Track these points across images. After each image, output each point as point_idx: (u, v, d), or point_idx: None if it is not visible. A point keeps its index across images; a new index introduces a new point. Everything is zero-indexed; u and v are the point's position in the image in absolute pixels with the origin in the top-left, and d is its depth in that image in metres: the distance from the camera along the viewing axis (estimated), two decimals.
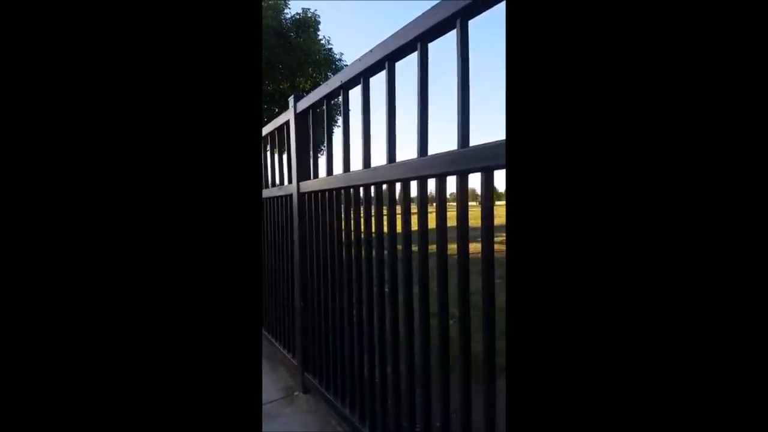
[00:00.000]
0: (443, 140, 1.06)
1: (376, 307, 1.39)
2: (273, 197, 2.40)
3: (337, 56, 15.90)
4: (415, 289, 1.19)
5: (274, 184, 2.46)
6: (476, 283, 0.93)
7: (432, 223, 1.10)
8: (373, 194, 1.37)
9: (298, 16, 15.23)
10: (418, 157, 1.09)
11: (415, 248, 1.18)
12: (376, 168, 1.30)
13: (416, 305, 1.19)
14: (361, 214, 1.45)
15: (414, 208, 1.18)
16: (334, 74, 1.66)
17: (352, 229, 1.51)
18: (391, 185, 1.26)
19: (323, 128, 1.74)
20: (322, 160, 1.77)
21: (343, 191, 1.56)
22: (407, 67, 1.21)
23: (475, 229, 0.96)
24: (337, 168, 1.57)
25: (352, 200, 1.49)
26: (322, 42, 15.82)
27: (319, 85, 1.69)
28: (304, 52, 14.85)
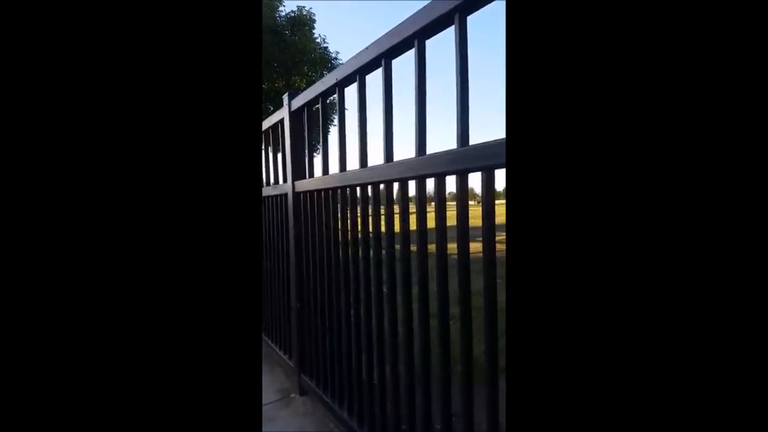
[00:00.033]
0: (442, 141, 1.04)
1: (374, 307, 1.36)
2: (268, 197, 2.37)
3: (333, 55, 15.84)
4: (414, 290, 1.16)
5: (268, 184, 2.43)
6: (475, 283, 0.91)
7: (431, 222, 1.08)
8: (370, 194, 1.34)
9: (292, 14, 15.14)
10: (416, 157, 1.07)
11: (413, 248, 1.16)
12: (373, 167, 1.28)
13: (415, 305, 1.17)
14: (358, 214, 1.43)
15: (412, 208, 1.16)
16: (329, 73, 1.63)
17: (349, 229, 1.49)
18: (389, 185, 1.24)
19: (319, 127, 1.71)
20: (318, 160, 1.74)
21: (339, 191, 1.53)
22: (404, 65, 1.19)
23: (473, 228, 0.94)
24: (334, 167, 1.55)
25: (349, 200, 1.46)
26: (317, 40, 15.74)
27: (315, 83, 1.66)
28: (300, 51, 14.77)
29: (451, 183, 1.02)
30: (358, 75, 1.32)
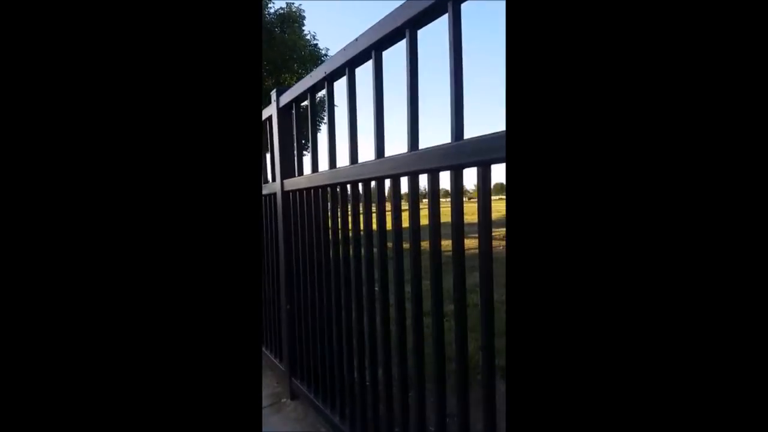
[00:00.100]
0: (436, 138, 0.99)
1: (366, 308, 1.31)
2: None
3: (323, 52, 15.72)
4: (407, 288, 1.12)
5: None
6: (469, 280, 0.86)
7: (423, 220, 1.04)
8: (361, 191, 1.29)
9: (282, 11, 15.02)
10: (408, 152, 1.02)
11: (406, 246, 1.11)
12: (363, 164, 1.23)
13: (408, 305, 1.13)
14: (349, 213, 1.38)
15: (405, 205, 1.11)
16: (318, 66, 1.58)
17: (339, 228, 1.43)
18: (380, 182, 1.19)
19: (308, 123, 1.65)
20: (308, 157, 1.69)
21: (329, 189, 1.48)
22: (395, 56, 1.14)
23: (467, 225, 0.90)
24: (324, 164, 1.50)
25: (339, 198, 1.41)
26: (307, 37, 15.63)
27: (303, 78, 1.61)
28: (289, 48, 14.65)
29: (444, 179, 0.98)
30: (348, 68, 1.27)
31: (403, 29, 1.01)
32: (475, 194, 0.89)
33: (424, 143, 1.01)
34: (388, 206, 1.19)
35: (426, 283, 1.02)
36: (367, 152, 1.24)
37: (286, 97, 1.80)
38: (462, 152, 0.86)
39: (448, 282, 0.95)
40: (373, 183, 1.23)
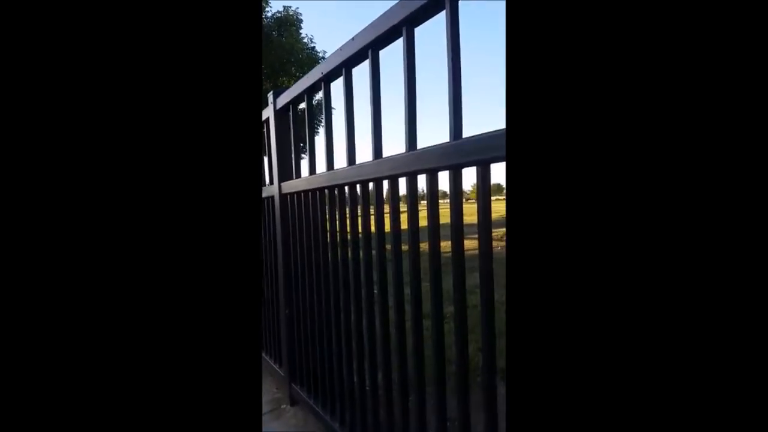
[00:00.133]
0: (435, 140, 0.97)
1: (365, 311, 1.29)
2: None
3: (321, 54, 15.73)
4: (407, 290, 1.10)
5: None
6: (469, 281, 0.84)
7: (422, 221, 1.02)
8: (359, 193, 1.27)
9: (279, 15, 15.02)
10: (406, 152, 1.00)
11: (405, 248, 1.09)
12: (361, 165, 1.21)
13: (408, 307, 1.10)
14: (347, 215, 1.36)
15: (403, 207, 1.09)
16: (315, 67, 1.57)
17: (338, 230, 1.41)
18: (378, 183, 1.17)
19: (305, 124, 1.63)
20: (306, 159, 1.67)
21: (327, 191, 1.46)
22: (393, 56, 1.12)
23: (465, 226, 0.88)
24: (321, 166, 1.48)
25: (337, 200, 1.39)
26: (304, 40, 15.64)
27: (300, 79, 1.59)
28: (287, 51, 14.66)
29: (442, 179, 0.95)
30: (344, 68, 1.25)
31: (400, 27, 0.99)
32: (472, 195, 0.87)
33: (422, 144, 0.99)
34: (387, 208, 1.17)
35: (425, 285, 1.00)
36: (365, 153, 1.21)
37: (283, 99, 1.78)
38: (461, 151, 0.84)
39: (447, 283, 0.93)
40: (371, 184, 1.21)
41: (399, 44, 1.03)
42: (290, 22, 15.01)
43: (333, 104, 1.46)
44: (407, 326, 1.13)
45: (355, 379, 1.37)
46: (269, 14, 14.73)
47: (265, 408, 1.82)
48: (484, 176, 0.82)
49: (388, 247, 1.17)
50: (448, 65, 0.85)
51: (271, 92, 1.90)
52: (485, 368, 0.86)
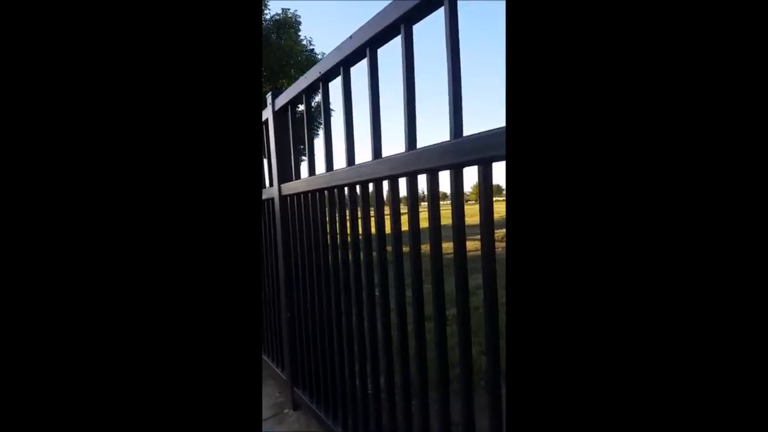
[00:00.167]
0: (433, 141, 0.95)
1: (367, 314, 1.27)
2: None
3: (320, 56, 15.73)
4: (408, 292, 1.08)
5: None
6: (470, 282, 0.83)
7: (423, 223, 1.00)
8: (359, 193, 1.25)
9: (278, 17, 15.03)
10: (406, 151, 0.98)
11: (406, 249, 1.07)
12: (360, 165, 1.19)
13: (410, 310, 1.08)
14: (347, 216, 1.34)
15: (404, 209, 1.07)
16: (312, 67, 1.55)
17: (338, 232, 1.39)
18: (378, 183, 1.15)
19: (303, 125, 1.62)
20: (306, 161, 1.65)
21: (326, 192, 1.44)
22: (391, 56, 1.10)
23: (467, 227, 0.86)
24: (321, 167, 1.46)
25: (337, 201, 1.37)
26: (303, 43, 15.64)
27: (298, 80, 1.57)
28: (286, 54, 14.66)
29: (443, 180, 0.94)
30: (342, 67, 1.23)
31: (398, 24, 0.97)
32: (472, 197, 0.85)
33: (421, 145, 0.97)
34: (387, 210, 1.15)
35: (426, 287, 0.98)
36: (365, 154, 1.19)
37: (282, 100, 1.77)
38: (461, 150, 0.82)
39: (448, 285, 0.91)
40: (370, 185, 1.19)
41: (397, 44, 1.01)
42: (289, 24, 15.02)
43: (332, 104, 1.44)
44: (409, 329, 1.11)
45: (358, 383, 1.35)
46: (268, 17, 14.74)
47: (267, 412, 1.81)
48: (485, 175, 0.80)
49: (389, 248, 1.15)
50: (448, 61, 0.83)
51: (270, 93, 1.89)
52: (490, 371, 0.84)
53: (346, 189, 1.31)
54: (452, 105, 0.84)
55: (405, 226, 1.07)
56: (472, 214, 0.82)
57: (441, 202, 0.95)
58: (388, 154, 1.08)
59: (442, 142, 0.87)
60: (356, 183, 1.24)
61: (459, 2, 0.83)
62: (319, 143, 1.53)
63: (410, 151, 0.97)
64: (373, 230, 1.21)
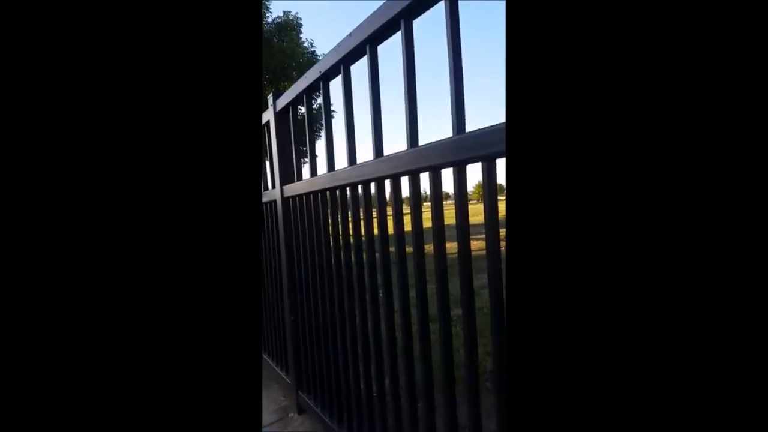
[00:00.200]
0: (434, 139, 0.92)
1: (371, 316, 1.25)
2: None
3: (321, 58, 15.73)
4: (412, 293, 1.06)
5: None
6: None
7: (426, 223, 0.98)
8: (360, 193, 1.23)
9: (279, 20, 15.06)
10: (408, 149, 0.96)
11: (409, 249, 1.05)
12: (361, 164, 1.17)
13: (414, 311, 1.06)
14: (349, 217, 1.32)
15: (406, 209, 1.05)
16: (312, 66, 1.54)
17: (340, 233, 1.37)
18: (380, 183, 1.13)
19: (305, 126, 1.60)
20: (307, 162, 1.63)
21: (328, 193, 1.42)
22: (391, 56, 1.08)
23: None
24: (323, 168, 1.44)
25: (339, 202, 1.35)
26: (305, 45, 15.66)
27: (298, 80, 1.55)
28: (288, 56, 14.69)
29: (445, 179, 0.92)
30: (342, 66, 1.22)
31: (398, 20, 0.96)
32: (474, 196, 0.83)
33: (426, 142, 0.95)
34: (390, 210, 1.13)
35: (431, 287, 0.96)
36: (367, 153, 1.17)
37: (283, 101, 1.75)
38: (464, 146, 0.80)
39: (452, 285, 0.89)
40: (372, 185, 1.17)
41: (398, 42, 0.99)
42: (290, 26, 15.05)
43: (333, 106, 1.42)
44: (414, 330, 1.09)
45: (362, 386, 1.33)
46: (270, 20, 14.78)
47: (272, 417, 1.79)
48: (489, 172, 0.78)
49: (392, 249, 1.13)
50: (449, 55, 0.81)
51: (271, 94, 1.87)
52: (496, 372, 0.82)
53: (347, 189, 1.29)
54: (454, 100, 0.82)
55: (408, 227, 1.05)
56: (474, 213, 0.80)
57: (443, 202, 0.93)
58: (389, 151, 1.06)
59: (445, 139, 0.85)
60: (358, 183, 1.22)
61: (459, 2, 0.82)
62: (321, 144, 1.51)
63: (412, 149, 0.95)
64: (375, 231, 1.19)
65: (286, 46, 14.70)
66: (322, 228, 1.51)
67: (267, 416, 1.79)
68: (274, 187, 1.93)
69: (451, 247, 0.91)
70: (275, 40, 14.65)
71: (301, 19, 15.34)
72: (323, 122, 1.43)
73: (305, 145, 1.62)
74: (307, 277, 1.66)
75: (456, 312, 0.92)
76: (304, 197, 1.61)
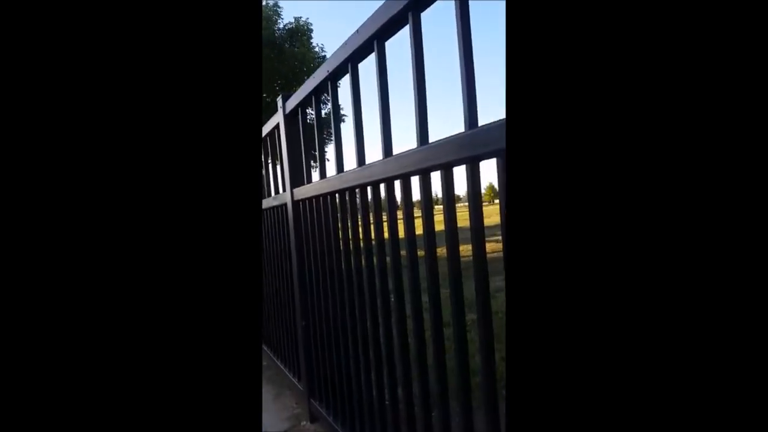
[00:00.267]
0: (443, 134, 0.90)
1: (382, 321, 1.21)
2: (267, 209, 2.24)
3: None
4: (424, 298, 1.02)
5: (269, 195, 2.30)
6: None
7: (438, 225, 0.94)
8: (370, 195, 1.20)
9: (290, 26, 15.18)
10: (418, 147, 0.92)
11: (421, 253, 1.01)
12: (371, 165, 1.13)
13: (426, 315, 1.02)
14: (359, 220, 1.28)
15: (417, 212, 1.01)
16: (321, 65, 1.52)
17: (350, 237, 1.34)
18: (389, 183, 1.09)
19: (313, 128, 1.57)
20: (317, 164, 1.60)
21: (338, 195, 1.39)
22: (399, 54, 1.04)
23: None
24: (332, 170, 1.41)
25: (348, 205, 1.32)
26: (315, 49, 15.76)
27: (307, 80, 1.53)
28: (299, 61, 14.80)
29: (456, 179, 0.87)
30: (350, 63, 1.18)
31: (406, 13, 0.92)
32: (486, 198, 0.79)
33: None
34: (400, 214, 1.09)
35: (444, 291, 0.92)
36: (377, 153, 1.13)
37: (292, 102, 1.73)
38: (477, 141, 0.75)
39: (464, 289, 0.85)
40: (381, 186, 1.13)
41: (406, 39, 0.95)
42: (301, 32, 15.17)
43: (343, 109, 1.40)
44: (427, 335, 1.04)
45: (375, 394, 1.28)
46: (281, 26, 14.90)
47: (284, 425, 1.76)
48: (505, 168, 0.73)
49: (403, 253, 1.09)
50: (458, 44, 0.77)
51: (280, 96, 1.85)
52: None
53: (357, 191, 1.26)
54: (466, 93, 0.77)
55: (419, 229, 1.01)
56: (488, 215, 0.76)
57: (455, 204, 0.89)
58: (399, 150, 1.02)
59: (456, 134, 0.80)
60: (366, 184, 1.18)
61: None
62: (332, 145, 1.48)
63: (422, 147, 0.90)
64: (385, 234, 1.15)
65: (297, 52, 14.82)
66: (332, 232, 1.47)
67: (279, 424, 1.76)
68: (284, 190, 1.91)
69: (463, 249, 0.87)
70: (287, 45, 14.76)
71: (311, 24, 15.46)
72: (332, 124, 1.40)
73: (315, 148, 1.59)
74: (318, 282, 1.63)
75: (470, 317, 0.88)
76: (313, 200, 1.58)
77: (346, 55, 1.18)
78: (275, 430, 1.69)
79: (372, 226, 1.20)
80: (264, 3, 14.37)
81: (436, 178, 0.93)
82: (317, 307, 1.66)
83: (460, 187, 0.89)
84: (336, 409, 1.56)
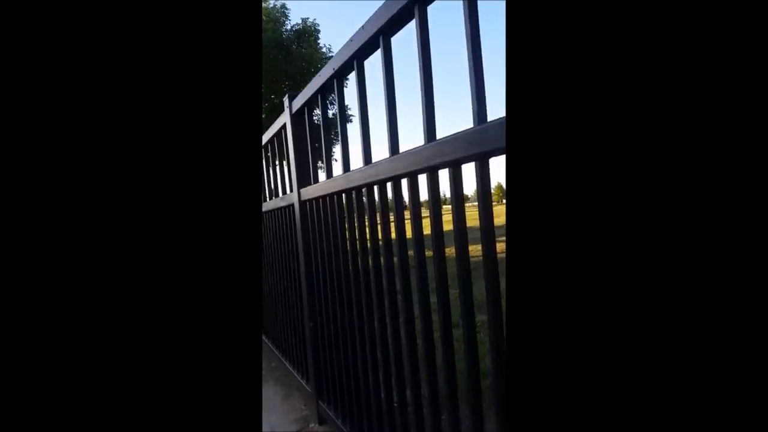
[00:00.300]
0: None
1: (390, 322, 1.19)
2: (275, 209, 2.23)
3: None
4: (433, 298, 0.99)
5: (277, 195, 2.29)
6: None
7: (446, 225, 0.92)
8: (376, 195, 1.18)
9: (297, 27, 15.20)
10: (425, 144, 0.90)
11: (429, 253, 0.99)
12: (377, 163, 1.11)
13: (435, 317, 1.00)
14: (366, 220, 1.26)
15: (425, 212, 0.99)
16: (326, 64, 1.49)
17: (357, 237, 1.32)
18: (396, 182, 1.07)
19: (320, 127, 1.56)
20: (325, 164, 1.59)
21: (344, 194, 1.37)
22: (405, 54, 1.02)
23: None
24: (339, 169, 1.39)
25: (355, 204, 1.30)
26: (323, 50, 15.77)
27: (313, 79, 1.51)
28: (307, 62, 14.81)
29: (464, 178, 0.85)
30: (356, 60, 1.17)
31: (411, 7, 0.90)
32: (495, 197, 0.76)
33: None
34: (408, 214, 1.07)
35: (453, 292, 0.90)
36: (384, 151, 1.12)
37: (299, 102, 1.71)
38: (487, 137, 0.73)
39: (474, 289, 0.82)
40: (388, 184, 1.11)
41: (410, 38, 0.93)
42: (308, 33, 15.19)
43: (350, 109, 1.38)
44: (436, 337, 1.02)
45: (383, 397, 1.26)
46: (288, 27, 14.93)
47: (292, 426, 1.74)
48: None
49: (411, 253, 1.07)
50: (467, 42, 0.75)
51: (287, 96, 1.84)
52: None
53: (364, 190, 1.24)
54: (474, 88, 0.75)
55: (427, 229, 0.99)
56: (497, 215, 0.73)
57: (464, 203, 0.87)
58: (407, 148, 1.00)
59: (465, 130, 0.78)
60: (373, 183, 1.16)
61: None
62: (338, 145, 1.47)
63: (429, 144, 0.88)
64: (392, 235, 1.13)
65: (305, 53, 14.85)
66: (339, 232, 1.46)
67: (287, 426, 1.75)
68: (291, 190, 1.90)
69: (472, 249, 0.85)
70: (294, 46, 14.80)
71: (318, 25, 15.47)
72: (339, 123, 1.38)
73: (322, 147, 1.58)
74: (325, 283, 1.61)
75: (480, 318, 0.86)
76: (320, 200, 1.57)
77: (351, 52, 1.16)
78: None
79: (379, 226, 1.18)
80: (272, 4, 14.42)
81: (444, 177, 0.91)
82: (325, 308, 1.64)
83: (468, 186, 0.87)
84: (344, 411, 1.54)
